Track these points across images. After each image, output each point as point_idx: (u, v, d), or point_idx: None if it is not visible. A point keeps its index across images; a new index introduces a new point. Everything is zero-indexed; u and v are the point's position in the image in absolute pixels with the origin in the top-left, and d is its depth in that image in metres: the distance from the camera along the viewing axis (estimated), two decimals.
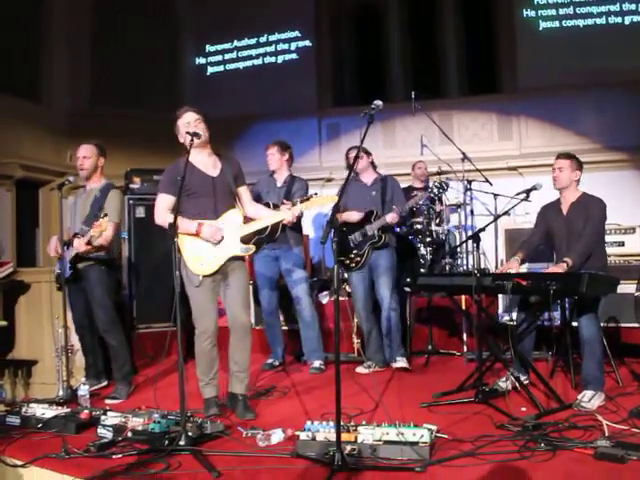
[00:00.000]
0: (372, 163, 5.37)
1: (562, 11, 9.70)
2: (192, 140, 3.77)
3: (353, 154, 5.07)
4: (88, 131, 9.53)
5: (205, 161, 4.04)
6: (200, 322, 3.97)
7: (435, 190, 5.35)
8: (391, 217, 5.05)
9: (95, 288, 4.67)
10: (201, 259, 3.92)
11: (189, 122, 3.95)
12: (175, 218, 3.54)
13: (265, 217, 4.19)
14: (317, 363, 5.34)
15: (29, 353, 5.45)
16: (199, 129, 3.90)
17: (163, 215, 3.91)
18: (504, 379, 4.29)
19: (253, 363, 5.50)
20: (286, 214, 4.17)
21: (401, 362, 5.08)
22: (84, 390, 4.31)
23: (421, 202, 5.95)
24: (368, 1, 11.28)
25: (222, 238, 3.92)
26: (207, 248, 3.92)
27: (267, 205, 5.03)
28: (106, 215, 4.28)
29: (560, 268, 4.08)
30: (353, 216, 5.20)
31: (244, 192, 4.19)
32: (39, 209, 10.35)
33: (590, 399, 3.87)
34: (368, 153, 5.32)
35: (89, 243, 4.44)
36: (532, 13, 9.78)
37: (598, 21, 9.53)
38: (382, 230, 5.12)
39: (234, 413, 4.00)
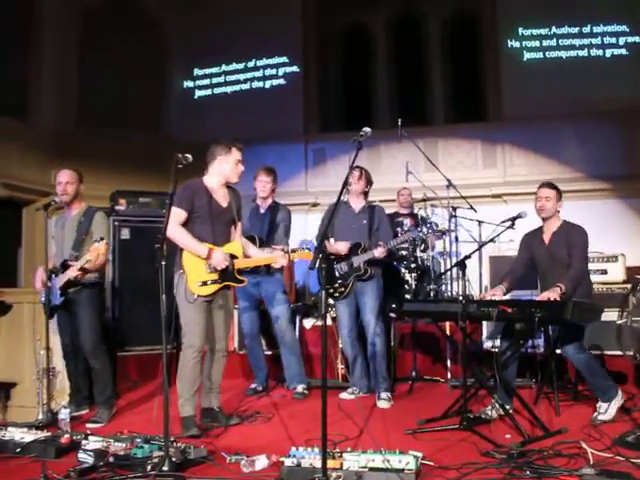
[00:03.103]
0: (366, 192, 5.34)
1: (545, 43, 9.91)
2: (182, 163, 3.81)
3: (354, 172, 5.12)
4: (73, 151, 9.56)
5: (218, 191, 4.27)
6: (189, 337, 4.13)
7: (425, 230, 5.18)
8: (379, 252, 4.99)
9: (84, 311, 4.65)
10: (201, 280, 4.11)
11: (240, 161, 4.26)
12: (162, 244, 3.53)
13: (260, 258, 4.50)
14: (300, 388, 5.31)
15: (8, 375, 5.35)
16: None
17: (175, 228, 4.04)
18: (490, 407, 4.28)
19: (236, 388, 5.52)
20: (278, 260, 4.38)
21: (384, 402, 4.92)
22: (65, 414, 4.24)
23: (410, 239, 5.87)
24: (356, 28, 11.46)
25: (222, 274, 4.16)
26: (207, 270, 4.14)
27: (252, 238, 5.05)
28: (102, 239, 4.36)
29: (554, 293, 4.08)
30: (340, 249, 5.13)
31: (239, 227, 4.45)
32: (22, 229, 10.26)
33: (606, 410, 4.08)
34: (370, 181, 5.31)
35: (82, 269, 4.49)
36: (516, 44, 9.97)
37: (580, 53, 9.75)
38: (368, 263, 5.09)
39: (215, 424, 4.24)
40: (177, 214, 4.06)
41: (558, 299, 4.02)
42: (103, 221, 4.78)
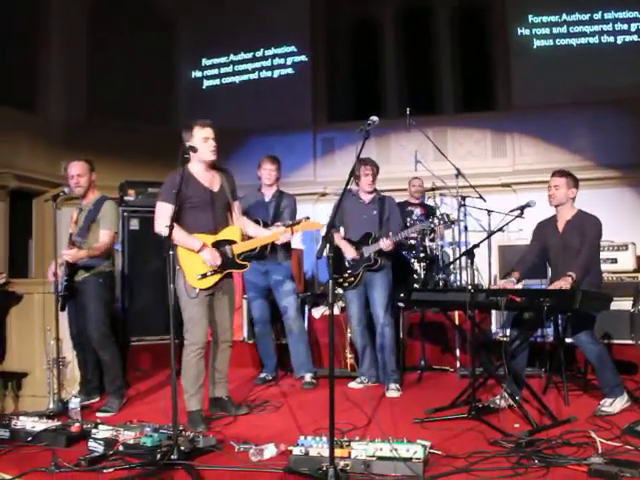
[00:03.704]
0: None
1: (555, 30, 9.81)
2: (188, 155, 3.80)
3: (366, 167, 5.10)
4: (83, 143, 9.59)
5: (206, 175, 4.10)
6: (192, 334, 4.04)
7: (436, 222, 5.11)
8: (385, 244, 4.97)
9: (92, 301, 4.63)
10: (199, 272, 4.00)
11: (208, 137, 4.01)
12: (170, 231, 3.54)
13: (259, 236, 4.32)
14: (308, 377, 5.32)
15: (19, 365, 5.41)
16: (215, 149, 4.03)
17: (161, 225, 3.92)
18: (499, 397, 4.27)
19: (245, 377, 5.54)
20: (279, 236, 4.26)
21: (392, 391, 4.93)
22: (75, 403, 4.26)
23: (420, 230, 5.81)
24: (364, 17, 11.39)
25: (221, 263, 4.04)
26: (206, 263, 4.01)
27: (257, 222, 4.99)
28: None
29: (566, 282, 4.06)
30: (348, 252, 5.10)
31: (237, 206, 4.31)
32: (32, 220, 10.32)
33: (611, 404, 4.03)
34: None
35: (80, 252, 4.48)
36: (526, 32, 9.88)
37: (591, 40, 9.65)
38: (378, 253, 5.07)
39: (224, 413, 4.26)
40: (164, 209, 3.93)
41: (569, 288, 4.01)
42: (111, 210, 4.73)
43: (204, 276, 4.01)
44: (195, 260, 4.00)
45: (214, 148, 4.04)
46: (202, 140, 4.00)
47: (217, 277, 4.06)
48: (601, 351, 4.18)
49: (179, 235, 3.89)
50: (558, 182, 4.41)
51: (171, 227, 3.53)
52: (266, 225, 5.06)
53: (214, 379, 4.34)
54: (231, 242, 4.12)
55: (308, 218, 4.43)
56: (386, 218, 5.20)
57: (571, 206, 4.46)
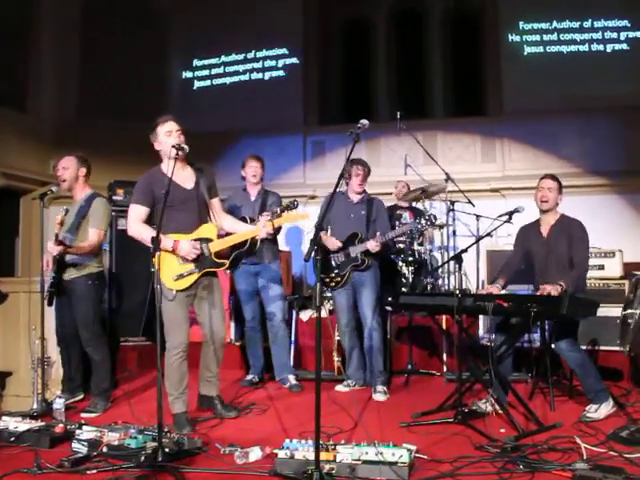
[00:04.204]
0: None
1: (546, 37, 9.85)
2: (177, 154, 3.76)
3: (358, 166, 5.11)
4: (73, 142, 9.51)
5: (181, 173, 4.03)
6: (172, 336, 3.99)
7: (423, 222, 5.12)
8: (372, 245, 4.98)
9: (81, 302, 4.60)
10: (176, 274, 3.94)
11: (171, 131, 3.94)
12: (158, 232, 3.52)
13: (239, 232, 4.23)
14: (292, 378, 5.34)
15: (4, 364, 5.36)
16: (182, 141, 3.89)
17: (136, 226, 3.94)
18: (484, 400, 4.29)
19: (232, 379, 5.53)
20: (259, 230, 4.15)
21: (380, 395, 4.94)
22: (59, 403, 4.23)
23: (407, 231, 5.81)
24: (356, 20, 11.39)
25: (199, 254, 3.95)
26: (181, 263, 3.96)
27: (244, 220, 4.98)
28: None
29: (555, 289, 4.06)
30: (330, 244, 5.12)
31: (217, 203, 4.24)
32: (19, 218, 10.24)
33: (596, 410, 4.05)
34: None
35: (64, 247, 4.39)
36: (517, 38, 9.92)
37: (581, 48, 9.69)
38: (365, 253, 5.08)
39: (213, 412, 4.25)
40: (135, 210, 3.92)
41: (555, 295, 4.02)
42: (102, 208, 4.68)
43: (180, 277, 3.95)
44: (171, 261, 3.94)
45: (180, 140, 3.92)
46: (165, 134, 3.96)
47: (194, 277, 3.99)
48: (582, 358, 4.18)
49: (149, 236, 3.74)
50: (552, 185, 4.43)
51: (158, 230, 3.52)
52: (252, 222, 5.01)
53: (204, 377, 4.32)
54: (208, 240, 4.04)
55: (295, 202, 4.39)
56: (373, 219, 5.22)
57: (555, 211, 4.49)
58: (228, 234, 4.28)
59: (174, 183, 3.87)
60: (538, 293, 4.16)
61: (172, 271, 3.94)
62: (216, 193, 4.23)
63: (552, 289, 4.06)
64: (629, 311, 4.45)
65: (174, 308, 3.95)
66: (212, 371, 4.29)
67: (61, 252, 4.43)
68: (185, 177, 4.06)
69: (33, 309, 4.86)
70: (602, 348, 5.27)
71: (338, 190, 3.46)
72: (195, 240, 3.99)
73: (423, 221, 5.12)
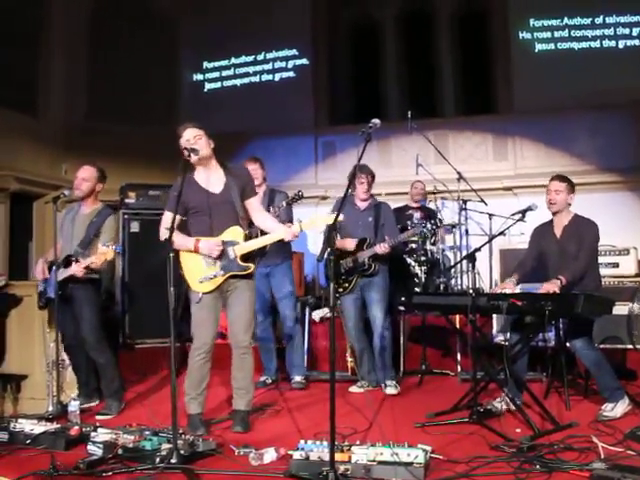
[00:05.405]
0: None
1: (557, 34, 9.79)
2: (189, 156, 3.75)
3: (361, 175, 5.11)
4: (84, 145, 9.59)
5: (208, 177, 3.99)
6: (197, 338, 3.99)
7: (428, 227, 5.13)
8: (381, 248, 4.98)
9: (84, 307, 4.62)
10: (200, 276, 3.92)
11: (188, 139, 3.91)
12: (170, 235, 3.52)
13: (267, 229, 4.07)
14: (298, 377, 5.37)
15: (19, 367, 5.39)
16: (198, 145, 3.87)
17: (162, 232, 3.92)
18: (499, 400, 4.26)
19: None
20: (285, 233, 3.96)
21: (390, 388, 4.99)
22: (74, 406, 4.24)
23: (414, 235, 5.77)
24: (365, 21, 11.38)
25: (222, 253, 3.90)
26: (206, 266, 3.93)
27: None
28: (113, 243, 4.28)
29: (554, 285, 4.06)
30: (348, 244, 5.15)
31: (254, 202, 4.12)
32: (33, 222, 10.29)
33: (613, 408, 4.02)
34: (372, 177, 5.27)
35: (87, 267, 4.40)
36: (527, 35, 9.86)
37: (593, 44, 9.63)
38: (373, 259, 5.07)
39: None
40: (164, 217, 3.92)
41: (557, 291, 4.00)
42: (114, 225, 4.75)
43: (206, 279, 3.92)
44: (195, 263, 3.94)
45: (196, 142, 3.87)
46: (186, 143, 3.87)
47: (219, 280, 3.93)
48: (598, 357, 4.15)
49: (177, 239, 3.74)
50: (559, 187, 4.37)
51: (171, 232, 3.51)
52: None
53: (234, 387, 4.12)
54: (233, 243, 3.96)
55: (300, 192, 4.60)
56: (381, 224, 5.23)
57: (568, 211, 4.44)
58: (263, 233, 4.16)
59: (197, 187, 3.90)
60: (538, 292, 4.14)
61: (198, 273, 3.93)
62: (252, 193, 4.11)
63: (551, 287, 4.05)
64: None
65: (200, 311, 3.95)
66: (237, 380, 4.08)
67: (82, 274, 4.45)
68: (214, 181, 4.00)
69: (47, 312, 4.89)
70: (617, 347, 5.22)
71: (348, 195, 3.46)
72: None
73: (429, 225, 5.15)
